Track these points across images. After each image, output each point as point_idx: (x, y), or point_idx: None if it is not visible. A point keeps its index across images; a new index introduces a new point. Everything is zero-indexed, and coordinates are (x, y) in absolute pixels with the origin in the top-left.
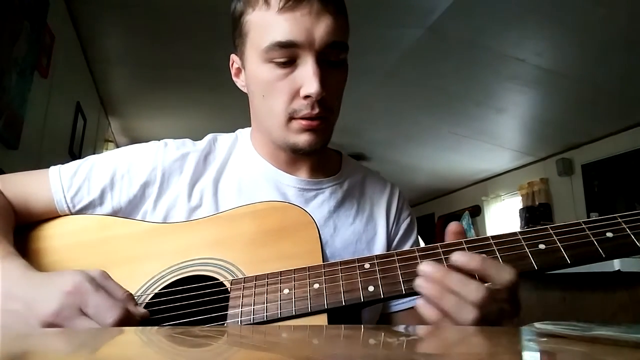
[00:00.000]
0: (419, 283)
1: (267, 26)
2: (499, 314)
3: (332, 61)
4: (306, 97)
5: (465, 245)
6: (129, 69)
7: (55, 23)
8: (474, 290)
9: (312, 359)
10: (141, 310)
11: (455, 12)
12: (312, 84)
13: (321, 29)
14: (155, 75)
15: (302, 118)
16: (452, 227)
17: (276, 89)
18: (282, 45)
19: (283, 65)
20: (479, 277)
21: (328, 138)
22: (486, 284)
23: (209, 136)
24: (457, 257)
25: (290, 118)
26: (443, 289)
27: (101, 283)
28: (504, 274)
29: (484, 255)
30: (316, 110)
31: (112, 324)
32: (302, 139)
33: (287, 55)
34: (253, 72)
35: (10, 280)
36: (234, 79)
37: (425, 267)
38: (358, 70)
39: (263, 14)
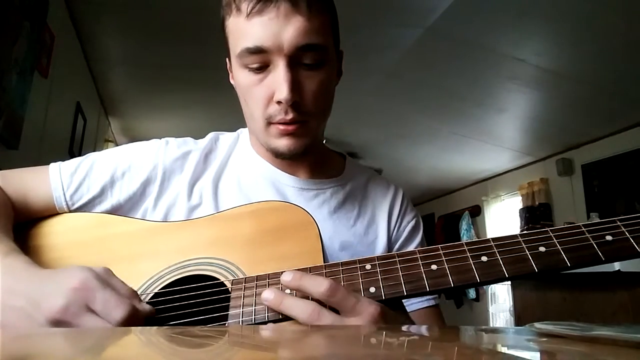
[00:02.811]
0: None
1: (239, 32)
2: (358, 312)
3: (307, 64)
4: (279, 102)
5: (466, 247)
6: (129, 69)
7: (55, 23)
8: (302, 309)
9: (313, 359)
10: (147, 306)
11: (455, 12)
12: (282, 89)
13: (289, 32)
14: (155, 75)
15: (279, 123)
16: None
17: (253, 94)
18: (252, 52)
19: (257, 70)
20: (304, 294)
21: (310, 141)
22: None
23: (211, 135)
24: (282, 278)
25: (269, 123)
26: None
27: (106, 280)
28: (317, 287)
29: (302, 272)
30: (290, 116)
31: (120, 320)
32: (281, 144)
33: (259, 61)
34: (235, 77)
35: (13, 277)
36: (231, 81)
37: (265, 295)
38: (358, 71)
39: (236, 20)
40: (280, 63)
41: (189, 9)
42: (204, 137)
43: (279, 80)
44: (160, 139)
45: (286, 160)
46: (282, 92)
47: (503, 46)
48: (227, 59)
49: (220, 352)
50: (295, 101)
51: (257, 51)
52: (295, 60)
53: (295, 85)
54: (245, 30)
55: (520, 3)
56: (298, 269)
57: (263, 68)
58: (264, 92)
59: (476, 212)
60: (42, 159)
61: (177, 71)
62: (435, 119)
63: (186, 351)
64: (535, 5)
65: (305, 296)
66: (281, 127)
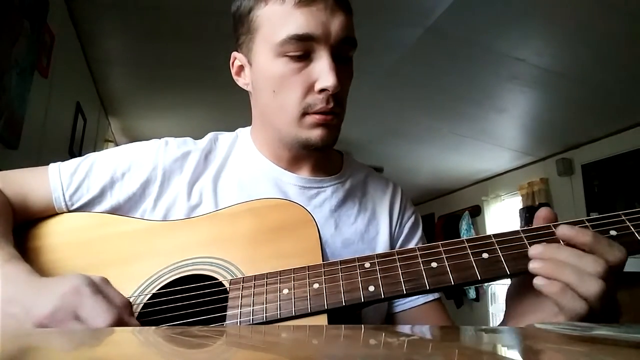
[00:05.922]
0: (534, 266)
1: (283, 20)
2: (614, 292)
3: (342, 57)
4: (321, 91)
5: (466, 244)
6: (129, 69)
7: (55, 23)
8: (592, 263)
9: None
10: (134, 321)
11: (455, 12)
12: (329, 77)
13: (336, 24)
14: (156, 75)
15: (317, 113)
16: (542, 212)
17: (290, 83)
18: (299, 39)
19: (298, 59)
20: (588, 251)
21: (338, 135)
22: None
23: (210, 135)
24: (565, 231)
25: (304, 113)
26: (559, 264)
27: (101, 288)
28: (615, 251)
29: (591, 230)
30: (331, 105)
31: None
32: (315, 134)
33: (303, 48)
34: (264, 67)
35: (12, 285)
36: (235, 77)
37: (535, 249)
38: (358, 70)
39: (277, 8)
40: (325, 52)
41: (189, 9)
42: (204, 137)
43: (324, 68)
44: (159, 139)
45: (318, 151)
46: (329, 79)
47: (503, 46)
48: (234, 53)
49: (218, 353)
50: (338, 90)
51: (305, 38)
52: (335, 51)
53: (338, 75)
54: (292, 17)
55: (520, 3)
56: (298, 268)
57: (303, 57)
58: (303, 80)
59: (476, 212)
60: (42, 159)
61: (177, 71)
62: (435, 119)
63: (184, 351)
64: (535, 5)
65: None
66: (318, 116)
